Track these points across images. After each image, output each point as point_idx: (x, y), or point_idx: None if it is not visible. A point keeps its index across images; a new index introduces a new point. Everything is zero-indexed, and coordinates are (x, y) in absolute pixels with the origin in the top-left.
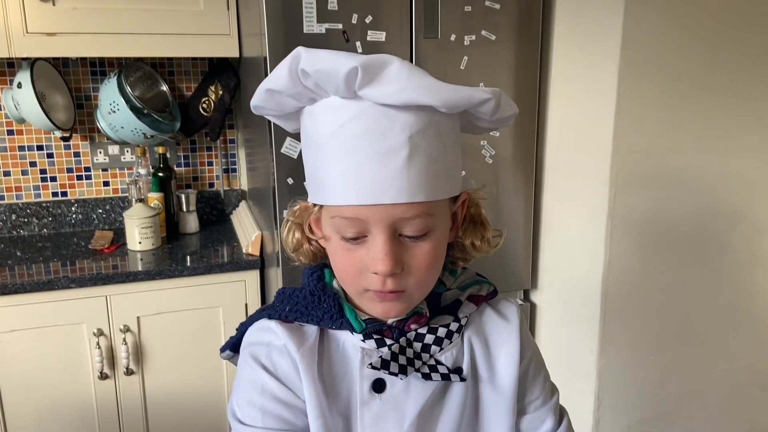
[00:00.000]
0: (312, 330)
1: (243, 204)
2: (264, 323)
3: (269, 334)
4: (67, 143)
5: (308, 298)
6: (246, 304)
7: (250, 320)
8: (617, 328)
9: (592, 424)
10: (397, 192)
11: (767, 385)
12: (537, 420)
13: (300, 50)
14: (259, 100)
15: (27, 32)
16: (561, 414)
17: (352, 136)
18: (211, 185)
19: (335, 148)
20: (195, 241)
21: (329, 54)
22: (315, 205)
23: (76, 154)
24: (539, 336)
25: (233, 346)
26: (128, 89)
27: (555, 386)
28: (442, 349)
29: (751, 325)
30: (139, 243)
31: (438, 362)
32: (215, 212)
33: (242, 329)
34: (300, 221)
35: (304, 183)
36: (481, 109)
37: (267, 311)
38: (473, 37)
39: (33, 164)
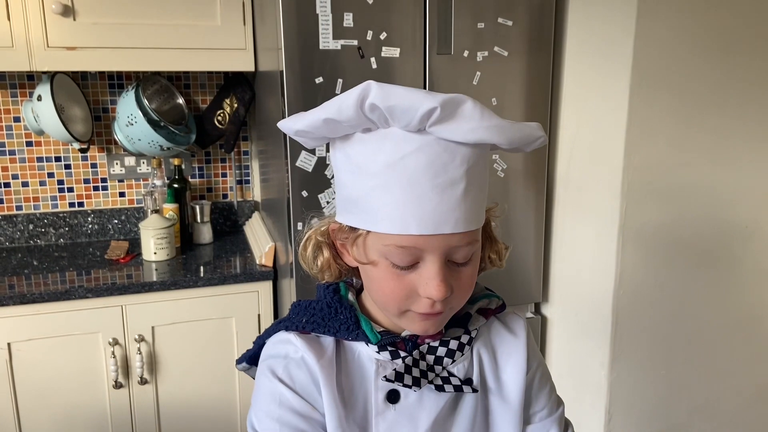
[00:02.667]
0: (329, 341)
1: (256, 215)
2: (282, 335)
3: (287, 346)
4: (85, 155)
5: (325, 310)
6: (259, 315)
7: (267, 333)
8: (628, 342)
9: None
10: (455, 222)
11: None
12: (542, 430)
13: (371, 84)
14: (310, 127)
15: (48, 46)
16: (566, 426)
17: (414, 168)
18: (225, 196)
19: (394, 178)
20: (209, 252)
21: (404, 91)
22: (353, 229)
23: (93, 166)
24: (550, 349)
25: (249, 359)
26: (145, 102)
27: (561, 399)
28: (454, 361)
29: (763, 339)
30: (154, 253)
31: (450, 374)
32: (228, 223)
33: (259, 342)
34: (329, 242)
35: (319, 196)
36: (534, 144)
37: (284, 323)
38: (486, 53)
39: (51, 175)
